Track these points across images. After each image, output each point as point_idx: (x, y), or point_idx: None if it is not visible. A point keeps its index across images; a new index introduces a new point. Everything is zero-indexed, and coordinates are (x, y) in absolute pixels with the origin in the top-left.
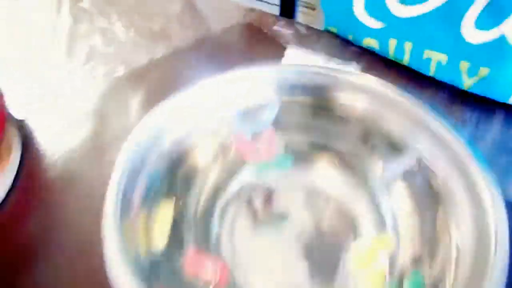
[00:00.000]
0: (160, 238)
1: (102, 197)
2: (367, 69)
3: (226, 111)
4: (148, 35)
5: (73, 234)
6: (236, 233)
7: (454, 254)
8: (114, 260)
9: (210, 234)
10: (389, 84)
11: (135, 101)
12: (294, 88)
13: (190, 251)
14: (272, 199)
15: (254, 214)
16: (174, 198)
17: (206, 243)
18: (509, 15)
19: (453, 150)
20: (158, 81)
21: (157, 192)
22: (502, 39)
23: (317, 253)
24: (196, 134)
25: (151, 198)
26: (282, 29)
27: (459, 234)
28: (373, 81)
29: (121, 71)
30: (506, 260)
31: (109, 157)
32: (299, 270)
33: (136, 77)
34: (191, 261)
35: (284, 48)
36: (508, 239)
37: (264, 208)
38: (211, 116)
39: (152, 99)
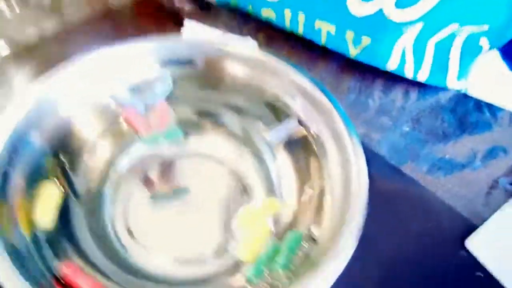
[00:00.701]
0: (45, 221)
1: None
2: (264, 44)
3: (114, 85)
4: (38, 10)
5: None
6: (131, 211)
7: (327, 204)
8: None
9: (102, 215)
10: (271, 54)
11: (20, 80)
12: (181, 60)
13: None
14: (166, 171)
15: (149, 188)
16: (59, 178)
17: (95, 223)
18: None
19: (325, 111)
20: (46, 58)
21: (40, 173)
22: (380, 11)
23: (213, 220)
24: (82, 109)
25: (32, 180)
26: (181, 3)
27: (330, 186)
28: (256, 51)
29: (5, 49)
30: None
31: None
32: (197, 237)
33: (23, 54)
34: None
35: (182, 23)
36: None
37: (160, 180)
38: (98, 90)
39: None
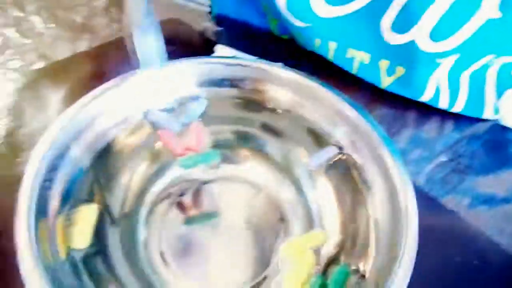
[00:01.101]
0: (81, 241)
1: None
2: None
3: (151, 105)
4: (71, 27)
5: None
6: (164, 235)
7: (372, 237)
8: (26, 262)
9: (136, 237)
10: (313, 78)
11: (55, 97)
12: (220, 81)
13: None
14: (202, 195)
15: (183, 212)
16: (96, 198)
17: (132, 246)
18: (417, 22)
19: (370, 140)
20: (80, 76)
21: (78, 191)
22: (412, 43)
23: (248, 249)
24: (120, 130)
25: (71, 199)
26: (212, 26)
27: (375, 218)
28: (297, 75)
29: (40, 64)
30: (416, 235)
31: (25, 156)
32: (232, 267)
33: (57, 71)
34: None
35: (214, 46)
36: (417, 219)
37: (194, 204)
38: (135, 111)
39: (74, 95)
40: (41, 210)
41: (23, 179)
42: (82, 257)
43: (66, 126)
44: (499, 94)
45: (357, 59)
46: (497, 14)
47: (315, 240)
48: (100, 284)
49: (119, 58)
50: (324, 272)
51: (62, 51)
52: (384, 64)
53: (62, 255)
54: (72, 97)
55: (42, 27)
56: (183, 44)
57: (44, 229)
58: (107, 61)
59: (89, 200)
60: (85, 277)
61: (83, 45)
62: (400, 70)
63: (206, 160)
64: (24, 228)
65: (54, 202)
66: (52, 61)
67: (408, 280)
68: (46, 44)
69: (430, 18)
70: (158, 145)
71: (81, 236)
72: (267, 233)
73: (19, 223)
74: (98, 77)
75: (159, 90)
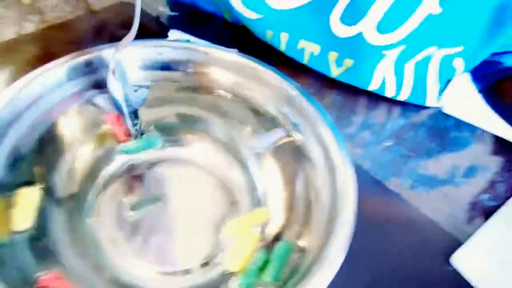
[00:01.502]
0: (22, 223)
1: None
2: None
3: (94, 90)
4: (18, 8)
5: None
6: (113, 220)
7: (314, 214)
8: None
9: (83, 219)
10: (257, 60)
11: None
12: (165, 64)
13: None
14: (149, 178)
15: (131, 195)
16: (39, 180)
17: (75, 230)
18: (364, 15)
19: (313, 122)
20: (25, 58)
21: (18, 173)
22: (360, 35)
23: (197, 230)
24: (63, 113)
25: (11, 181)
26: (167, 11)
27: (317, 197)
28: (241, 58)
29: None
30: (352, 213)
31: None
32: (181, 248)
33: (1, 52)
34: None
35: (168, 31)
36: (355, 197)
37: (141, 187)
38: (80, 93)
39: (19, 78)
40: None
41: None
42: (27, 238)
43: (5, 107)
44: (441, 83)
45: (307, 50)
46: (438, 10)
47: (258, 218)
48: (45, 266)
49: (66, 41)
50: (268, 248)
51: (8, 32)
52: (333, 56)
53: (3, 237)
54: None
55: None
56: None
57: None
58: (54, 43)
59: (31, 182)
60: (30, 259)
61: (29, 27)
62: (348, 62)
63: (149, 146)
64: None
65: None
66: None
67: (344, 252)
68: None
69: (377, 12)
70: (104, 128)
71: (22, 218)
72: (214, 214)
73: None
74: (44, 59)
75: (104, 73)
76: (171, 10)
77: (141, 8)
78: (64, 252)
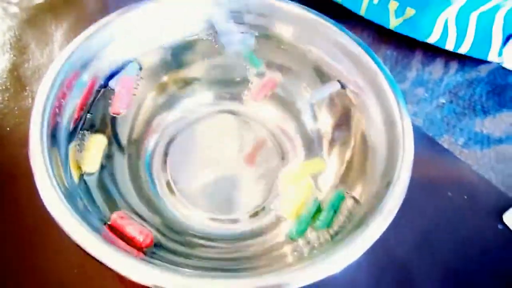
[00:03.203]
0: (91, 166)
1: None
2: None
3: (156, 41)
4: None
5: None
6: (171, 166)
7: (369, 164)
8: (43, 186)
9: (143, 168)
10: (317, 13)
11: (57, 32)
12: (228, 17)
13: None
14: (201, 129)
15: (187, 142)
16: (105, 126)
17: (138, 175)
18: None
19: (372, 77)
20: (82, 10)
21: (88, 120)
22: None
23: (252, 178)
24: (125, 63)
25: (82, 127)
26: None
27: (373, 147)
28: (302, 9)
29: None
30: (410, 165)
31: (31, 89)
32: (236, 195)
33: (58, 5)
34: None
35: None
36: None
37: (193, 135)
38: (141, 46)
39: (76, 30)
40: (53, 138)
41: (33, 107)
42: (95, 181)
43: (73, 56)
44: (504, 36)
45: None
46: None
47: (314, 167)
48: (112, 207)
49: None
50: (324, 198)
51: None
52: (393, 5)
53: (76, 178)
54: (74, 32)
55: None
56: None
57: (57, 155)
58: None
59: (99, 129)
60: (99, 200)
61: None
62: (409, 11)
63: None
64: (39, 156)
65: (65, 130)
66: None
67: (398, 206)
68: None
69: None
70: (165, 78)
71: (92, 161)
72: (269, 164)
73: (33, 152)
74: (100, 11)
75: (167, 26)
76: None
77: None
78: (127, 195)
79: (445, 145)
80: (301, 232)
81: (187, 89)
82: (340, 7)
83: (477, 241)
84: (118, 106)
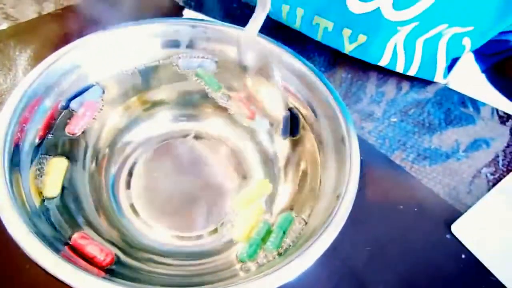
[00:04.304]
0: (52, 190)
1: None
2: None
3: (117, 67)
4: None
5: None
6: (134, 188)
7: (321, 186)
8: (4, 207)
9: (107, 189)
10: (274, 41)
11: (21, 58)
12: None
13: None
14: (167, 150)
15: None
16: (67, 149)
17: (102, 196)
18: None
19: (322, 95)
20: (46, 37)
21: (49, 143)
22: (378, 10)
23: (209, 200)
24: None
25: (42, 151)
26: None
27: (324, 169)
28: (260, 38)
29: (5, 25)
30: (356, 183)
31: None
32: (194, 215)
33: (23, 32)
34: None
35: (182, 9)
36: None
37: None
38: (102, 72)
39: (41, 56)
40: (14, 162)
41: None
42: (57, 203)
43: (35, 82)
44: (447, 60)
45: (322, 26)
46: None
47: (261, 190)
48: (74, 226)
49: (85, 20)
50: (272, 219)
51: (28, 13)
52: (346, 32)
53: (37, 203)
54: (37, 58)
55: None
56: (148, 7)
57: (19, 179)
58: (73, 22)
59: (61, 151)
60: (61, 221)
61: (49, 7)
62: (362, 38)
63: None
64: (1, 179)
65: (26, 155)
66: (18, 22)
67: (347, 216)
68: (10, 5)
69: None
70: (128, 101)
71: (53, 186)
72: (226, 184)
73: None
74: (63, 38)
75: (126, 50)
76: None
77: None
78: (90, 214)
79: (397, 161)
80: (252, 255)
81: (150, 111)
82: (299, 33)
83: (428, 250)
84: (74, 126)
